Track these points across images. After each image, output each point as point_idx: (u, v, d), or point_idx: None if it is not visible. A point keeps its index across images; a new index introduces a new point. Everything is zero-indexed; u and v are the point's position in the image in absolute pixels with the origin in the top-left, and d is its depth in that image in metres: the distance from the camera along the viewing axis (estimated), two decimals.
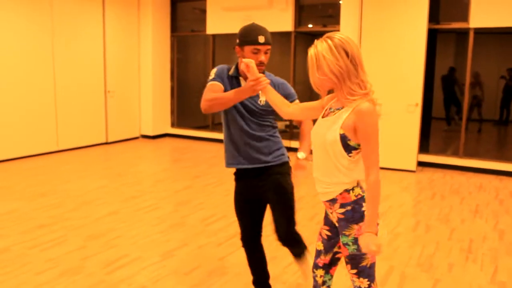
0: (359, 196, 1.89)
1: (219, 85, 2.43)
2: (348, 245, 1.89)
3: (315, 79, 1.86)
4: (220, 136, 8.77)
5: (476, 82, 8.90)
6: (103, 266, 3.35)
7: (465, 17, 6.45)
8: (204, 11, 8.59)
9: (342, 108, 1.85)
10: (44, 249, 3.64)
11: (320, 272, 2.12)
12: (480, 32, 6.54)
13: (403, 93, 6.55)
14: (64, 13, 7.35)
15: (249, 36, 2.35)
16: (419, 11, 6.34)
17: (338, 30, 7.15)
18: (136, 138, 9.02)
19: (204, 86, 2.47)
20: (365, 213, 1.84)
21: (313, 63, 1.84)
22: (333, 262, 2.11)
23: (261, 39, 2.33)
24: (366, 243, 1.79)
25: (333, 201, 1.91)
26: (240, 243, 2.83)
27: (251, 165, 2.52)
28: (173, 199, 5.06)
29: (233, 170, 2.66)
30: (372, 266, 1.92)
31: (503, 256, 3.67)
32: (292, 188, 2.58)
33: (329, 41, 1.79)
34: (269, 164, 2.53)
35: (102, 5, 8.00)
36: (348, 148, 1.83)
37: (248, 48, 2.35)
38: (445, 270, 3.38)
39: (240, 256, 3.58)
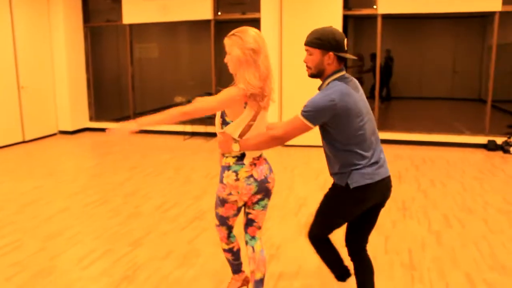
0: (226, 164, 2.38)
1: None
2: None
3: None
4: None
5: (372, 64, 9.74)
6: (76, 263, 3.34)
7: (371, 4, 7.12)
8: (119, 0, 8.37)
9: None
10: (3, 254, 3.50)
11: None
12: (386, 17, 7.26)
13: None
14: None
15: None
16: None
17: (259, 18, 7.45)
18: (54, 134, 8.60)
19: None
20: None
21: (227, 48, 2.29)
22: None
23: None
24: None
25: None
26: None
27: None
28: (119, 192, 5.04)
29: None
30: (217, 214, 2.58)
31: (432, 210, 4.29)
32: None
33: (239, 35, 2.25)
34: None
35: None
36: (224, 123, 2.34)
37: None
38: (390, 227, 3.89)
39: (207, 237, 3.77)
